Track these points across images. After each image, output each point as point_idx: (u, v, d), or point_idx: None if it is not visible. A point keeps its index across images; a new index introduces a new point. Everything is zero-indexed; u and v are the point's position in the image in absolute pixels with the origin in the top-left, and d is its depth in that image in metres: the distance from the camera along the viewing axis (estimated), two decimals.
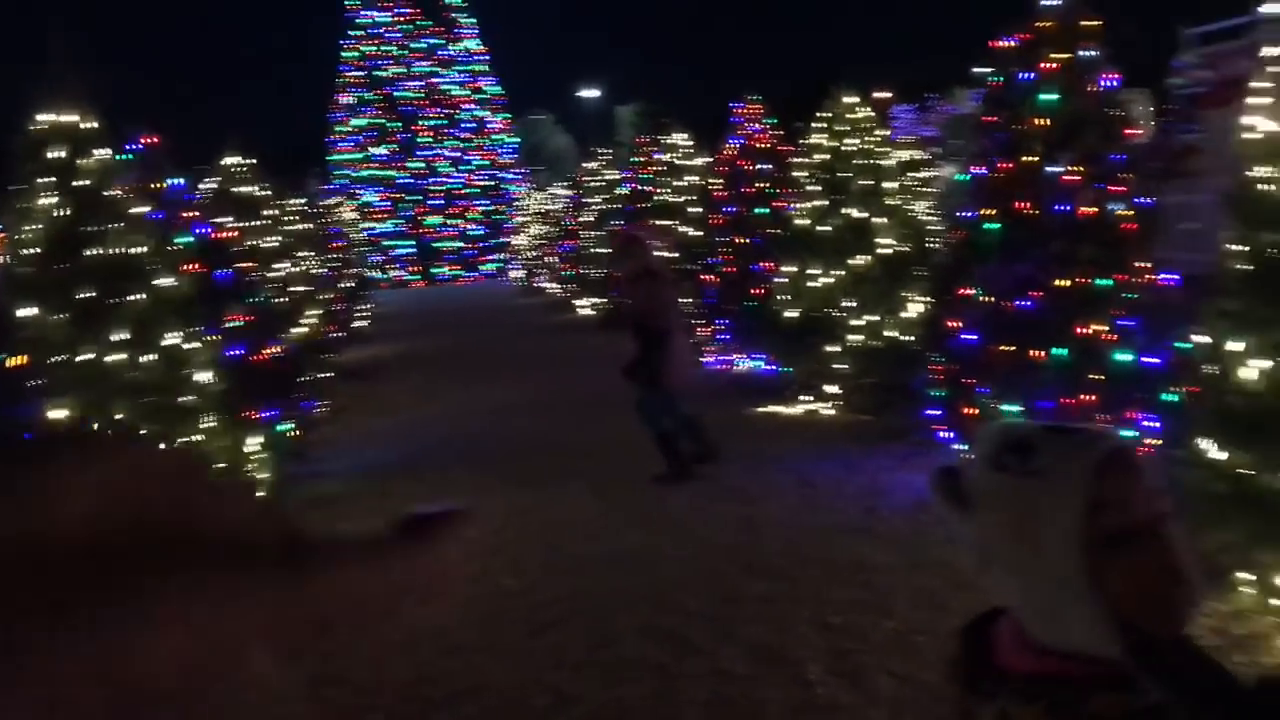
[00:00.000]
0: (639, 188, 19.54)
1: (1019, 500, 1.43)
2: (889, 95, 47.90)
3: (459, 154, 46.36)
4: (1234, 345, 4.81)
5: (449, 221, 46.08)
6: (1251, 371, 4.72)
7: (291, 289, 13.77)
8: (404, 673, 5.34)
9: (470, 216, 46.33)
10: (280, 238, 14.27)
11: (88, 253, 6.42)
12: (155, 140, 8.73)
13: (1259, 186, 4.77)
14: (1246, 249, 4.84)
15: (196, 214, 9.79)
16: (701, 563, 6.64)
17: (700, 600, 5.97)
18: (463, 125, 46.73)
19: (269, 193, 13.92)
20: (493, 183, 47.13)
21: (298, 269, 14.92)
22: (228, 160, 12.92)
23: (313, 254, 18.75)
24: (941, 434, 8.13)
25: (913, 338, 9.93)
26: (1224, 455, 4.89)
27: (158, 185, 8.71)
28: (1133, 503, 1.40)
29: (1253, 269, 4.77)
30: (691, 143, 18.52)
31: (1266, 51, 4.92)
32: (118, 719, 0.61)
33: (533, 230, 35.80)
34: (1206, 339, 5.06)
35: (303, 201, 22.39)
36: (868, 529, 7.04)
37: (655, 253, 9.07)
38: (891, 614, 5.54)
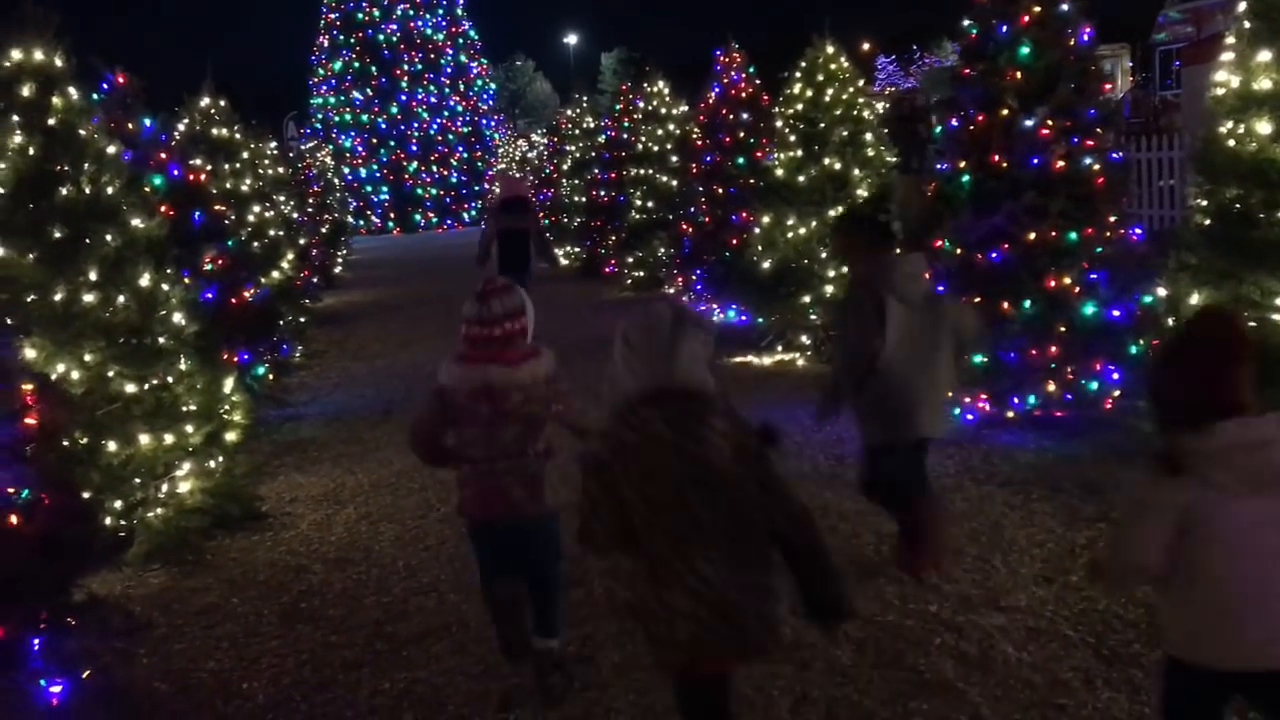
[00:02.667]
0: (618, 135, 19.45)
1: None
2: (870, 46, 47.71)
3: (438, 100, 45.85)
4: (1194, 298, 4.90)
5: (428, 168, 45.67)
6: None
7: (267, 233, 13.68)
8: (375, 611, 5.42)
9: (450, 163, 45.92)
10: (256, 181, 14.15)
11: (59, 192, 6.38)
12: (126, 80, 8.64)
13: (1226, 142, 4.83)
14: (1208, 204, 4.91)
15: (169, 155, 9.71)
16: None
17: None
18: (442, 71, 46.19)
19: (244, 136, 13.77)
20: (472, 129, 46.71)
21: (273, 213, 14.81)
22: (202, 101, 12.77)
23: (289, 198, 18.62)
24: None
25: None
26: None
27: (130, 125, 8.64)
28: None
29: (1213, 223, 4.85)
30: (671, 91, 18.40)
31: (1241, 7, 4.96)
32: None
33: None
34: (1168, 292, 5.14)
35: (276, 145, 22.19)
36: (836, 476, 7.14)
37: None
38: (856, 558, 5.65)
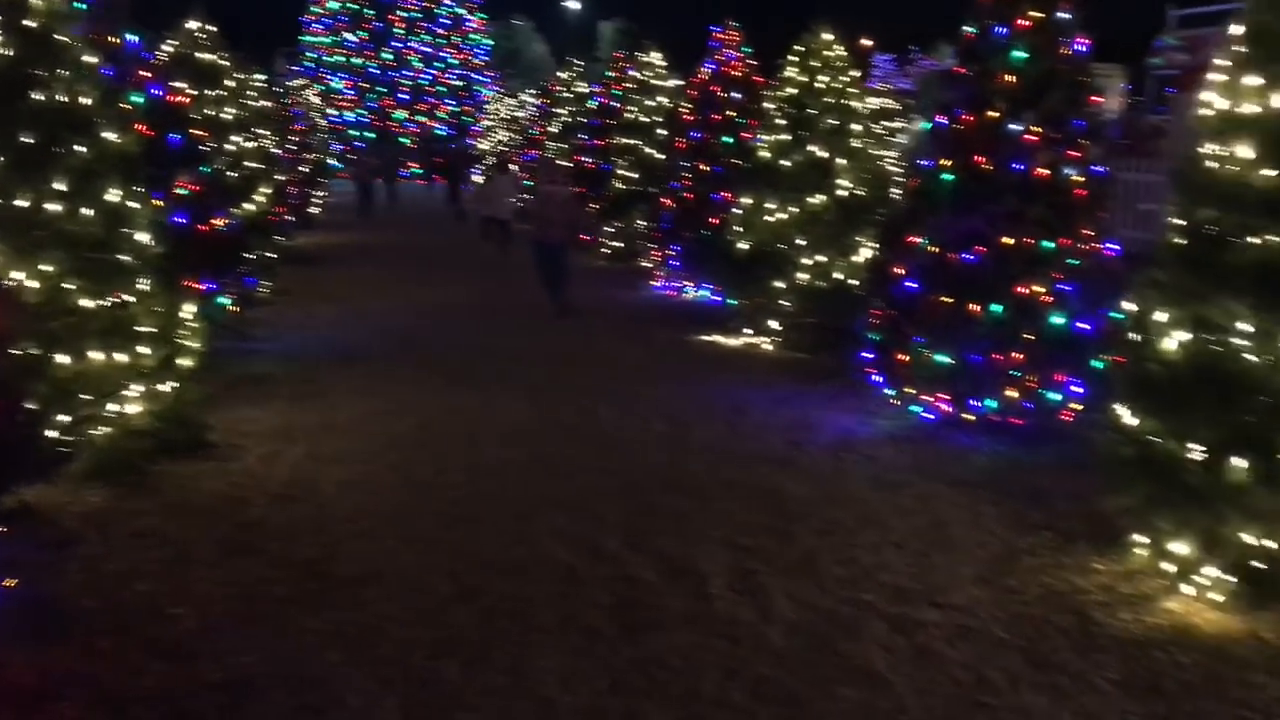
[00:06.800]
0: (608, 103, 19.32)
1: None
2: (869, 43, 47.59)
3: (432, 50, 45.38)
4: (1160, 316, 4.91)
5: (415, 117, 45.25)
6: (1172, 342, 4.82)
7: (245, 164, 13.46)
8: (313, 550, 5.37)
9: (437, 115, 45.52)
10: (238, 111, 13.91)
11: (32, 96, 6.23)
12: None
13: (1207, 164, 4.83)
14: (1185, 224, 4.91)
15: (151, 74, 9.54)
16: (623, 477, 6.71)
17: (617, 511, 6.05)
18: (439, 21, 45.71)
19: (230, 63, 13.52)
20: (463, 83, 46.31)
21: (253, 145, 14.58)
22: (190, 24, 12.52)
23: (271, 133, 18.35)
24: (873, 377, 8.25)
25: (858, 281, 10.00)
26: (1136, 421, 5.02)
27: (112, 38, 8.46)
28: None
29: (1187, 243, 4.85)
30: (666, 64, 18.28)
31: (1235, 30, 4.95)
32: None
33: (498, 136, 35.32)
34: (1135, 308, 5.15)
35: (265, 78, 21.85)
36: (790, 461, 7.15)
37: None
38: (800, 542, 5.66)
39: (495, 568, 5.23)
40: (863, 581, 5.18)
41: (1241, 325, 4.57)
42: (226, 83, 13.23)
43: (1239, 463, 4.51)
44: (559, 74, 25.91)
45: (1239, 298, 4.57)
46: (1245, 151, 4.63)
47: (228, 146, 12.75)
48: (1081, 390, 7.38)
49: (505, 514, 5.97)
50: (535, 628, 4.58)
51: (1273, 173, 4.54)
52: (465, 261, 17.49)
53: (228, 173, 12.34)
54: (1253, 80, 4.64)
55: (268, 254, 13.75)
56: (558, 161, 16.68)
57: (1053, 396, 7.46)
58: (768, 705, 4.01)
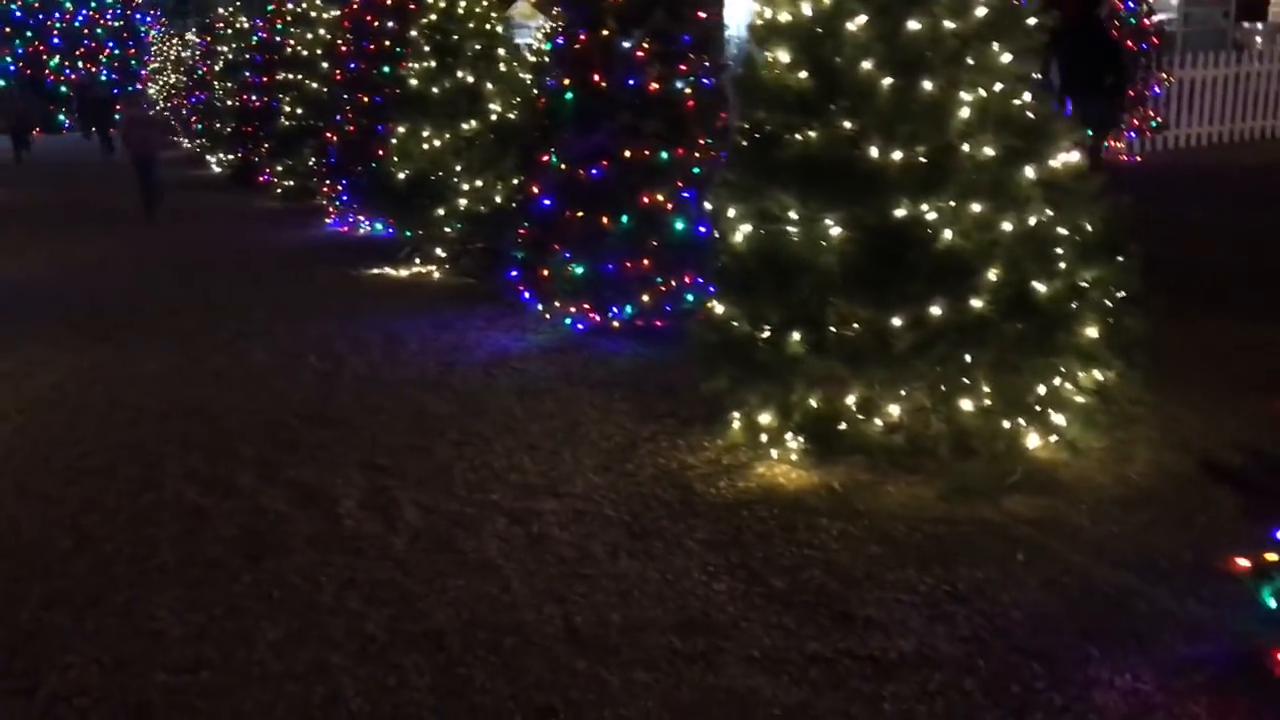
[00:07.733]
0: (271, 38, 18.60)
1: None
2: None
3: None
4: (730, 212, 5.40)
5: (73, 64, 41.74)
6: (740, 235, 5.33)
7: None
8: None
9: (99, 60, 42.16)
10: None
11: None
12: None
13: (757, 69, 5.31)
14: (746, 126, 5.40)
15: None
16: (268, 415, 6.72)
17: (255, 448, 6.08)
18: None
19: None
20: (124, 24, 43.03)
21: None
22: None
23: None
24: (523, 294, 8.55)
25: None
26: (720, 309, 5.53)
27: None
28: None
29: (747, 144, 5.34)
30: None
31: None
32: None
33: (167, 79, 33.23)
34: (713, 206, 5.63)
35: None
36: (440, 382, 7.35)
37: None
38: (435, 454, 5.90)
39: (120, 517, 5.18)
40: (492, 483, 5.48)
41: (791, 214, 5.11)
42: None
43: (796, 336, 5.07)
44: (220, 10, 24.59)
45: (787, 190, 5.10)
46: (783, 56, 5.13)
47: None
48: (714, 290, 7.95)
49: (136, 463, 5.88)
50: (153, 569, 4.61)
51: (804, 75, 5.06)
52: (120, 214, 16.53)
53: None
54: None
55: None
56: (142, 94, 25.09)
57: (689, 298, 7.99)
58: (381, 606, 4.24)
